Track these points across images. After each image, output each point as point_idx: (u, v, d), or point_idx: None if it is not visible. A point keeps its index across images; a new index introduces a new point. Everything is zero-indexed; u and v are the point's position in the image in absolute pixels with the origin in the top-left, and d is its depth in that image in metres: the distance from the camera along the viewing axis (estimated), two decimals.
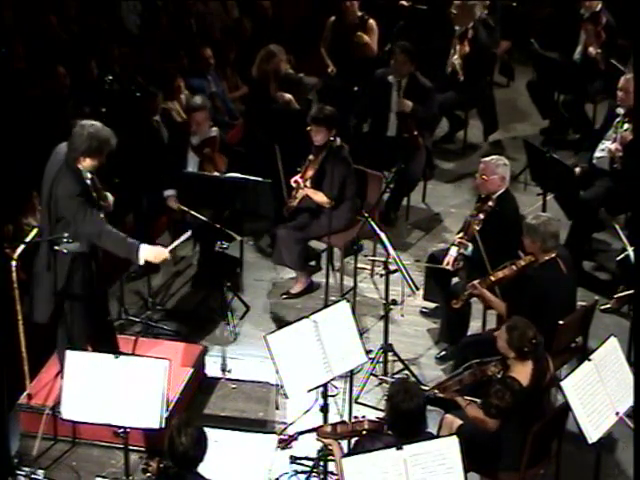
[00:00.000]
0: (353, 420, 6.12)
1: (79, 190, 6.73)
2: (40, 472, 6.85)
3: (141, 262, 6.86)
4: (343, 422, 6.12)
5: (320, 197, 8.47)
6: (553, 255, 7.14)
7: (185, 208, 8.40)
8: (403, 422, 5.66)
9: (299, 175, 8.48)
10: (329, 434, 5.97)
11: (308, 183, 8.48)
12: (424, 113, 9.54)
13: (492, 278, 7.27)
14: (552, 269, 7.12)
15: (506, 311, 7.01)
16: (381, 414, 6.65)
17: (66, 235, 6.71)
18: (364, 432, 5.88)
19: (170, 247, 7.04)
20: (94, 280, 6.98)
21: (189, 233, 7.15)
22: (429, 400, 6.54)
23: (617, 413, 6.15)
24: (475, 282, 7.29)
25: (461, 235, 7.84)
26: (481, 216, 7.77)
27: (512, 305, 7.05)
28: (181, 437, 5.41)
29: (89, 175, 6.84)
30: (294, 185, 8.50)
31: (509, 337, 6.27)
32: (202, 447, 5.48)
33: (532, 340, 6.22)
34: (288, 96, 9.80)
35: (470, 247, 7.75)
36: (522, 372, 6.27)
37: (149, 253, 6.86)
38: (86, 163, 6.78)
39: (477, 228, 7.73)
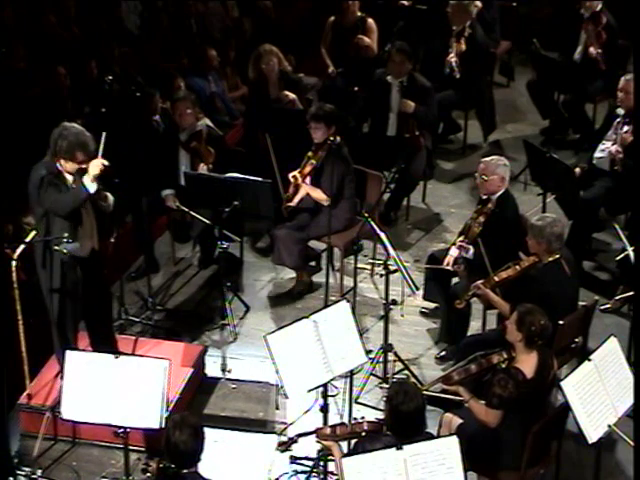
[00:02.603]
0: (352, 421, 6.12)
1: (46, 180, 6.73)
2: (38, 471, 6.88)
3: (93, 187, 6.77)
4: (342, 424, 6.12)
5: (318, 194, 8.48)
6: (557, 256, 7.14)
7: (184, 208, 8.40)
8: (403, 424, 5.66)
9: (297, 171, 8.49)
10: (328, 436, 5.97)
11: (307, 180, 8.49)
12: (425, 113, 9.54)
13: (496, 278, 7.28)
14: (556, 270, 7.12)
15: (510, 311, 7.01)
16: (381, 414, 6.66)
17: (66, 235, 6.72)
18: (363, 433, 5.88)
19: (99, 153, 6.84)
20: (80, 282, 6.98)
21: (104, 135, 7.02)
22: (429, 400, 6.55)
23: (609, 426, 6.14)
24: (479, 282, 7.30)
25: (462, 238, 7.84)
26: (481, 219, 7.77)
27: (516, 305, 7.05)
28: (177, 432, 5.40)
29: (71, 178, 6.85)
30: (292, 180, 8.50)
31: (521, 320, 6.31)
32: (199, 442, 5.47)
33: (542, 322, 6.26)
34: (293, 96, 9.82)
35: (471, 250, 7.75)
36: (527, 364, 6.29)
37: (90, 172, 6.75)
38: (63, 165, 6.80)
39: (477, 231, 7.73)
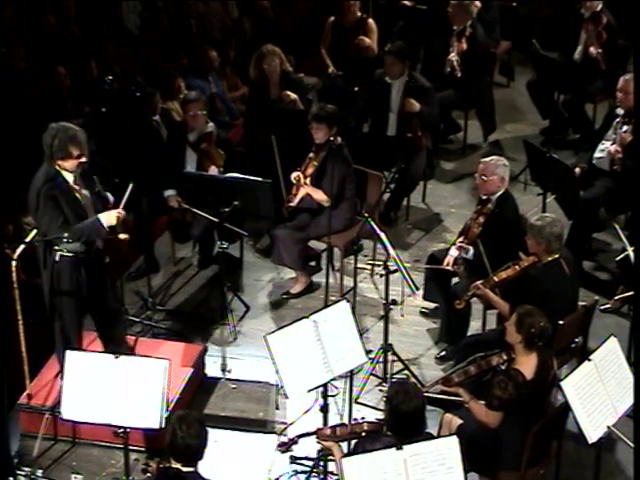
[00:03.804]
0: (352, 422, 6.12)
1: (47, 191, 6.72)
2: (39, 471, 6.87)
3: (107, 227, 6.83)
4: (342, 424, 6.12)
5: (319, 195, 8.48)
6: (557, 256, 7.14)
7: (187, 206, 8.39)
8: (402, 423, 5.66)
9: (300, 171, 8.49)
10: (328, 436, 5.97)
11: (308, 181, 8.49)
12: (429, 113, 9.54)
13: (495, 279, 7.28)
14: (555, 270, 7.13)
15: (509, 312, 7.02)
16: (381, 414, 6.66)
17: (66, 235, 6.72)
18: (363, 433, 5.87)
19: (121, 204, 6.96)
20: (83, 282, 6.97)
21: (130, 186, 7.08)
22: (429, 400, 6.55)
23: (608, 427, 6.15)
24: (478, 282, 7.30)
25: (462, 239, 7.84)
26: (481, 219, 7.77)
27: (515, 305, 7.05)
28: (184, 426, 5.41)
29: (71, 178, 6.84)
30: (294, 181, 8.50)
31: (520, 322, 6.31)
32: (205, 436, 5.48)
33: (541, 324, 6.27)
34: (294, 96, 9.83)
35: (471, 251, 7.75)
36: (526, 365, 6.29)
37: (107, 218, 6.83)
38: (62, 165, 6.80)
39: (477, 232, 7.73)
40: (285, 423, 7.25)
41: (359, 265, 8.43)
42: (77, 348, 6.86)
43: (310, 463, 6.77)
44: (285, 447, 6.23)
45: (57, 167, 6.81)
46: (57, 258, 6.84)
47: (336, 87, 10.74)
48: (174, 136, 9.00)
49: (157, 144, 9.03)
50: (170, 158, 8.77)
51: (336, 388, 6.79)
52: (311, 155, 8.51)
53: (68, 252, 6.83)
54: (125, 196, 6.99)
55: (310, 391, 6.47)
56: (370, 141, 9.78)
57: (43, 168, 6.85)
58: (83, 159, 6.82)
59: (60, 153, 6.76)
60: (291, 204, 8.57)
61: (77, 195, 6.89)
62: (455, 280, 8.07)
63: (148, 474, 6.50)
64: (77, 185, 6.89)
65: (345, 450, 6.11)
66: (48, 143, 6.77)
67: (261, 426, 7.36)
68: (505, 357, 6.44)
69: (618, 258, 8.12)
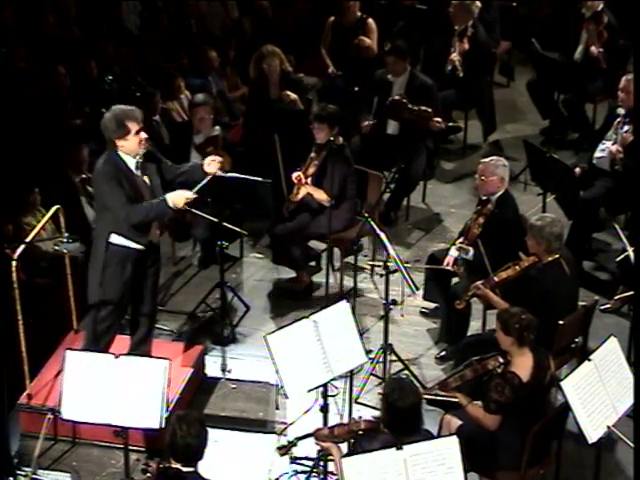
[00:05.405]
0: (351, 421, 6.11)
1: (109, 172, 6.70)
2: (67, 475, 6.87)
3: (173, 207, 6.83)
4: (340, 424, 6.11)
5: (320, 195, 8.47)
6: (557, 256, 7.14)
7: (187, 207, 8.37)
8: (399, 420, 5.65)
9: (301, 171, 8.49)
10: (327, 437, 5.97)
11: (309, 180, 8.50)
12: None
13: (495, 279, 7.27)
14: (556, 270, 7.12)
15: None
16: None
17: (66, 235, 6.71)
18: (361, 432, 5.87)
19: (194, 189, 6.95)
20: (128, 278, 6.94)
21: (209, 177, 7.03)
22: (428, 401, 6.56)
23: (608, 427, 6.15)
24: (478, 283, 7.29)
25: (461, 240, 7.84)
26: (481, 220, 7.76)
27: (515, 306, 7.05)
28: (184, 426, 5.41)
29: (133, 163, 6.80)
30: (295, 181, 8.50)
31: (504, 325, 6.30)
32: (205, 436, 5.48)
33: (522, 317, 6.28)
34: (294, 96, 9.84)
35: (471, 251, 7.75)
36: (522, 367, 6.28)
37: (175, 199, 6.81)
38: (124, 147, 6.75)
39: (477, 232, 7.73)
40: (285, 423, 7.25)
41: (359, 265, 8.43)
42: (101, 350, 6.82)
43: (310, 463, 6.77)
44: (284, 451, 6.22)
45: (119, 152, 6.77)
46: (111, 239, 6.80)
47: (336, 87, 10.75)
48: (177, 137, 8.99)
49: (157, 144, 9.02)
50: (172, 159, 8.75)
51: (336, 388, 6.79)
52: (312, 155, 8.51)
53: (68, 252, 6.80)
54: (201, 183, 6.98)
55: (310, 391, 6.47)
56: (370, 141, 9.78)
57: (103, 155, 6.84)
58: (143, 134, 6.77)
59: (119, 131, 6.69)
60: (292, 204, 8.57)
61: (137, 180, 6.84)
62: (455, 280, 8.08)
63: (148, 474, 6.50)
64: (138, 171, 6.85)
65: (344, 450, 6.11)
66: (106, 126, 6.73)
67: (261, 426, 7.36)
68: (501, 360, 6.42)
69: (618, 258, 8.12)
